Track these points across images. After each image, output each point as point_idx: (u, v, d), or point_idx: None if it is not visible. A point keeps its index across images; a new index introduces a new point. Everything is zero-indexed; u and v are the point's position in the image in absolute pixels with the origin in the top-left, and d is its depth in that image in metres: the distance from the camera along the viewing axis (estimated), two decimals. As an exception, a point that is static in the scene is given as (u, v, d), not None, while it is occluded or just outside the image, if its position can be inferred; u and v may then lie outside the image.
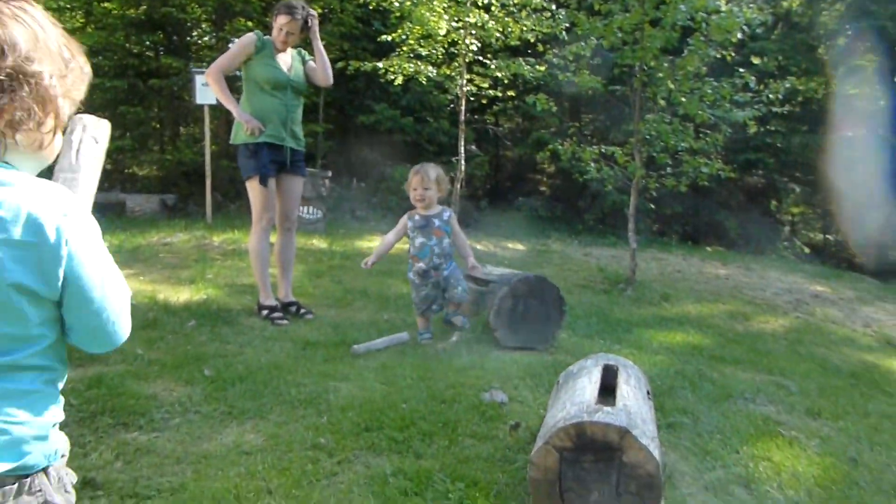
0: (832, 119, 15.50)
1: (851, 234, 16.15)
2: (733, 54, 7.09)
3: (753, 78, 6.97)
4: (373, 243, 9.02)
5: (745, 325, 6.13)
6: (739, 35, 6.69)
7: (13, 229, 1.01)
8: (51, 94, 1.07)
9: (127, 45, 11.90)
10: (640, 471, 2.21)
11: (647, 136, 7.29)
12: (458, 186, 9.49)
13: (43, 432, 1.12)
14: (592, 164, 7.36)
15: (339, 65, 9.93)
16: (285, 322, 4.70)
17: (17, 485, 1.07)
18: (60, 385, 1.20)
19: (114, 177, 12.47)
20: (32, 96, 1.04)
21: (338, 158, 13.11)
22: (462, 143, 9.68)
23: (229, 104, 4.66)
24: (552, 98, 8.23)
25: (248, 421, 3.05)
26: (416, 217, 4.39)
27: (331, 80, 4.98)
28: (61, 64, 1.10)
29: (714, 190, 14.84)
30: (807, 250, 16.77)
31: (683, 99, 6.80)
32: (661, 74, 6.98)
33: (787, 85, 7.12)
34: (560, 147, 7.81)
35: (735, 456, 2.99)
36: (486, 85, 10.00)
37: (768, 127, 15.43)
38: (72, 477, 1.23)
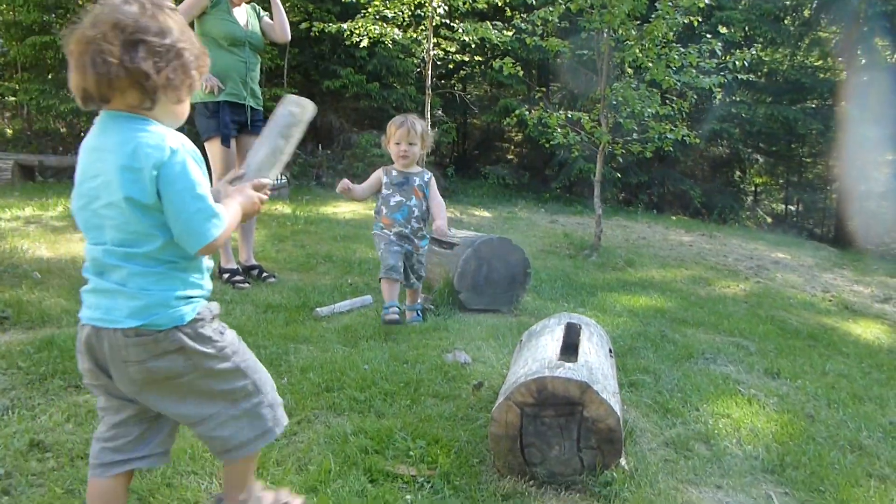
0: (797, 90, 15.68)
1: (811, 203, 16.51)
2: (700, 20, 7.06)
3: (720, 44, 6.97)
4: (338, 209, 8.91)
5: (706, 290, 6.20)
6: (707, 1, 6.67)
7: (129, 159, 1.51)
8: (189, 64, 1.58)
9: (79, 1, 11.45)
10: (601, 425, 2.20)
11: (614, 102, 7.26)
12: (425, 153, 9.39)
13: (166, 302, 1.59)
14: (559, 130, 7.32)
15: (303, 26, 9.69)
16: (246, 286, 4.61)
17: (153, 336, 1.58)
18: (189, 274, 1.64)
19: (69, 141, 12.08)
20: (179, 64, 1.56)
21: (302, 124, 12.87)
22: (429, 109, 9.56)
23: None
24: (519, 63, 8.14)
25: (206, 382, 2.98)
26: (394, 173, 3.95)
27: (288, 36, 4.83)
28: (196, 47, 1.62)
29: (679, 160, 15.00)
30: (769, 220, 17.07)
31: (651, 64, 6.77)
32: (628, 41, 6.93)
33: (753, 52, 7.12)
34: (527, 113, 7.75)
35: (695, 413, 3.02)
36: (452, 49, 9.87)
37: (734, 97, 15.55)
38: (213, 327, 1.69)
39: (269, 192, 1.85)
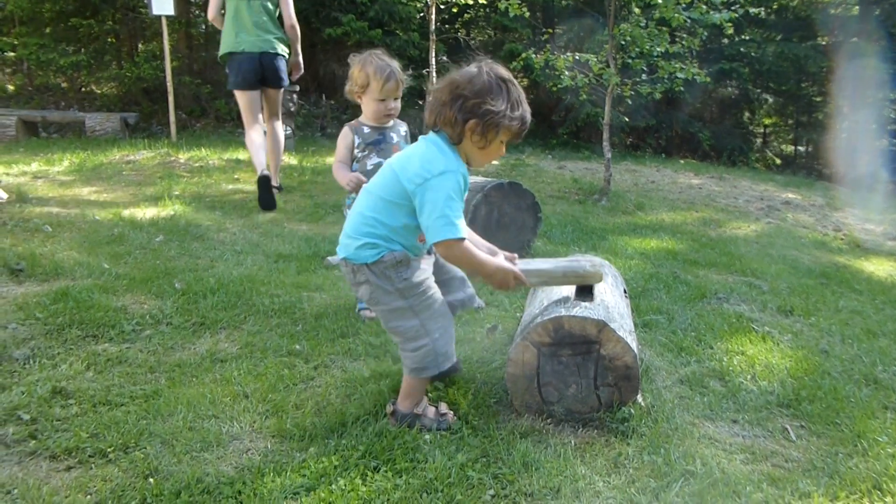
0: (807, 27, 15.30)
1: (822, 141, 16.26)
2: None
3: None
4: (344, 159, 8.83)
5: (717, 231, 6.17)
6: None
7: (413, 162, 2.07)
8: (496, 123, 2.03)
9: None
10: (618, 362, 2.21)
11: (622, 43, 7.10)
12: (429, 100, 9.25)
13: (359, 245, 2.13)
14: (566, 73, 7.18)
15: (303, -28, 9.46)
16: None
17: (350, 267, 2.18)
18: (387, 231, 2.12)
19: (70, 95, 11.95)
20: (486, 120, 2.02)
21: (305, 74, 12.67)
22: (433, 55, 9.39)
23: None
24: (525, 5, 7.94)
25: (222, 331, 3.01)
26: (366, 129, 3.19)
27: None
28: (508, 108, 2.04)
29: (687, 102, 14.73)
30: (778, 161, 16.87)
31: (660, 1, 6.59)
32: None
33: (765, -14, 6.91)
34: (533, 57, 7.59)
35: (709, 351, 3.03)
36: (456, -9, 9.63)
37: (743, 36, 15.20)
38: (397, 270, 2.13)
39: (517, 287, 2.23)
